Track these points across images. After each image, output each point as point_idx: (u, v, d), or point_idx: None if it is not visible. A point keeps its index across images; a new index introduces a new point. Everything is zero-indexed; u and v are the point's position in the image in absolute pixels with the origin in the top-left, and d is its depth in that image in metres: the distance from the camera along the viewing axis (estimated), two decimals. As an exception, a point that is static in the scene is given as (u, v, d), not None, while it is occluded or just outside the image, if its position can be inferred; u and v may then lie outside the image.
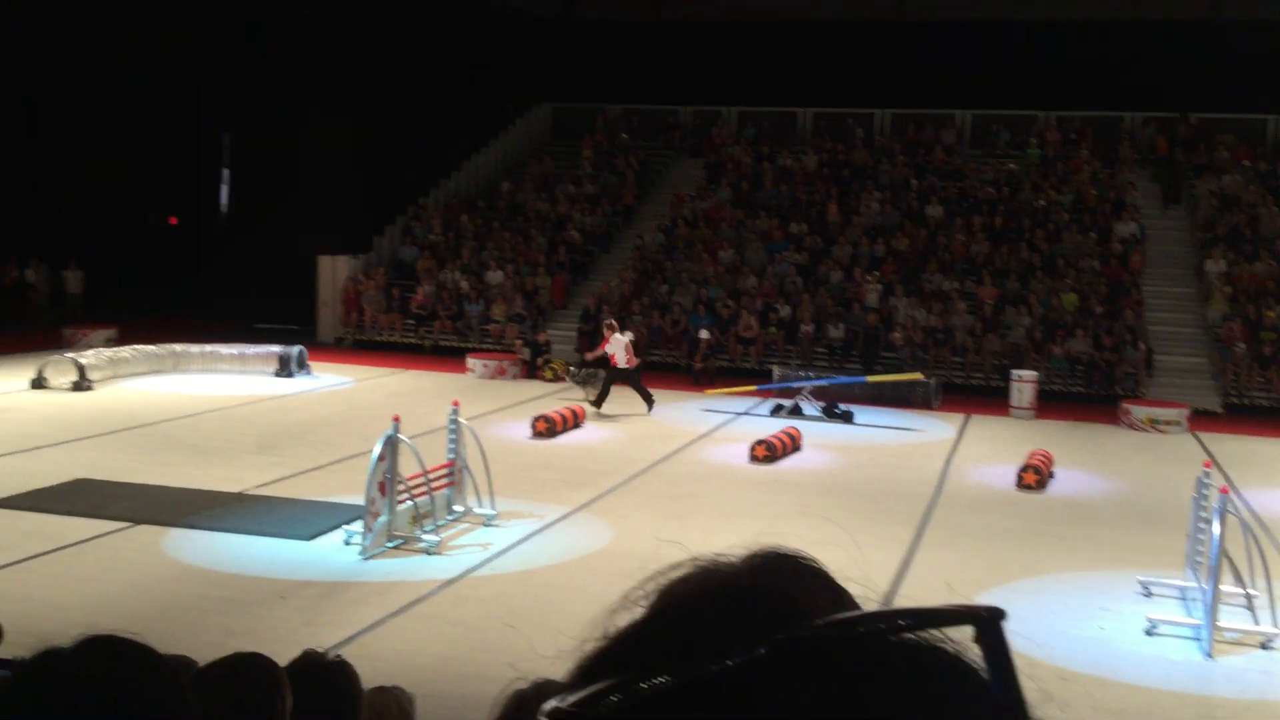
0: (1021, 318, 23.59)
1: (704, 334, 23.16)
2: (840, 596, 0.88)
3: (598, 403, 18.90)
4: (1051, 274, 24.60)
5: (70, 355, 19.86)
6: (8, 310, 26.96)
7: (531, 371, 22.86)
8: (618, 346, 18.91)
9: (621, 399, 20.53)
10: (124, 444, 15.18)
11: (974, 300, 24.38)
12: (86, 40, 29.18)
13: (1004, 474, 15.31)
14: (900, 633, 0.64)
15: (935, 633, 0.65)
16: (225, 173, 32.24)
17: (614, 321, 19.78)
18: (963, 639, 0.65)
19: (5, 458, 13.97)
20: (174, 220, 31.79)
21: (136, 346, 21.29)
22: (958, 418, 20.04)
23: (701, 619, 0.68)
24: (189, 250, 30.48)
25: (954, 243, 25.97)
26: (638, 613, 0.73)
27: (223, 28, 28.50)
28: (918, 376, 19.64)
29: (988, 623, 0.65)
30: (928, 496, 14.17)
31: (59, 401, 18.05)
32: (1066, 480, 15.32)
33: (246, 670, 2.36)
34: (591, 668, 0.65)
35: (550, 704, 0.63)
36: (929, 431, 18.71)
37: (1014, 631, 0.66)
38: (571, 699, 0.62)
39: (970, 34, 29.61)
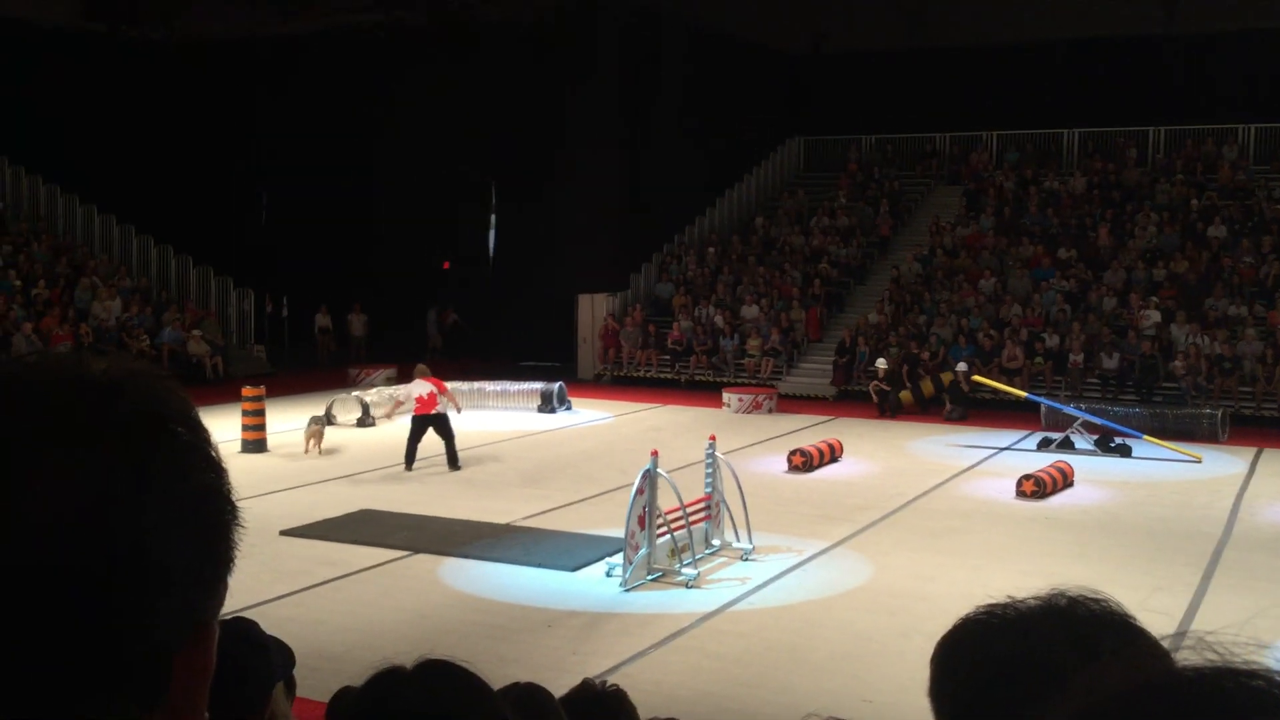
0: (1320, 343, 21.73)
1: (961, 366, 22.36)
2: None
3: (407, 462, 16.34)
4: (1354, 295, 22.58)
5: (356, 394, 21.23)
6: (300, 353, 29.13)
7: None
8: (420, 389, 16.18)
9: (870, 437, 20.18)
10: (403, 477, 16.07)
11: (1264, 326, 22.65)
12: (367, 102, 31.33)
13: (1304, 513, 14.09)
14: None
15: None
16: (493, 218, 33.81)
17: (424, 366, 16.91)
18: None
19: (298, 489, 15.06)
20: (447, 265, 33.56)
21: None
22: (1248, 451, 18.61)
23: (1201, 687, 0.64)
24: (461, 293, 32.08)
25: (1241, 265, 24.23)
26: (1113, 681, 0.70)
27: (486, 81, 29.98)
28: (1198, 458, 17.60)
29: None
30: (1216, 536, 13.19)
31: (345, 437, 19.32)
32: (1378, 521, 13.94)
33: (528, 700, 2.45)
34: None
35: None
36: (1216, 466, 17.45)
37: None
38: None
39: (1248, 43, 27.68)
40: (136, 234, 28.46)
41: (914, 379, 22.83)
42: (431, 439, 16.31)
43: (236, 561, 0.83)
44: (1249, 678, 0.62)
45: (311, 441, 17.69)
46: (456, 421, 16.75)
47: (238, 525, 0.81)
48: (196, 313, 26.84)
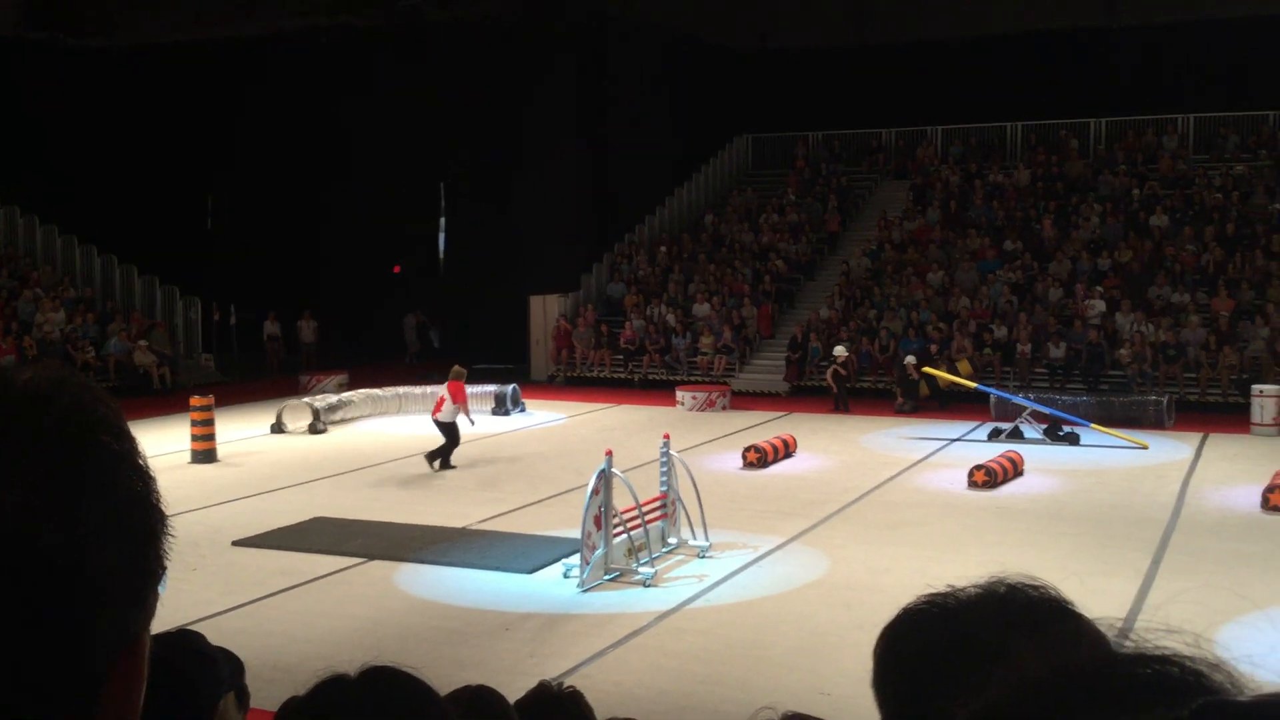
0: (1260, 329, 22.14)
1: (910, 359, 22.44)
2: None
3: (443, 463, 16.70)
4: (1292, 281, 23.02)
5: (305, 400, 21.04)
6: (250, 361, 28.82)
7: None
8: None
9: (824, 432, 20.30)
10: (356, 483, 15.95)
11: (1207, 313, 23.05)
12: (315, 107, 31.03)
13: (1248, 495, 14.35)
14: None
15: None
16: (442, 221, 33.64)
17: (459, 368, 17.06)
18: None
19: (249, 499, 14.89)
20: (397, 269, 33.35)
21: (364, 390, 22.38)
22: (1194, 437, 18.93)
23: (1114, 674, 0.64)
24: (410, 297, 31.90)
25: (1183, 253, 24.64)
26: (1033, 665, 0.70)
27: (437, 85, 29.80)
28: (1145, 445, 17.88)
29: None
30: (1164, 521, 13.40)
31: (296, 444, 19.14)
32: (1320, 501, 14.21)
33: (478, 703, 2.43)
34: (999, 715, 0.63)
35: None
36: (1163, 452, 17.74)
37: (1260, 665, 0.62)
38: None
39: (1187, 35, 28.16)
40: (80, 244, 28.03)
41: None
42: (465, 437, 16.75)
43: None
44: (1161, 663, 0.62)
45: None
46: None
47: (167, 534, 0.81)
48: (143, 323, 26.48)
